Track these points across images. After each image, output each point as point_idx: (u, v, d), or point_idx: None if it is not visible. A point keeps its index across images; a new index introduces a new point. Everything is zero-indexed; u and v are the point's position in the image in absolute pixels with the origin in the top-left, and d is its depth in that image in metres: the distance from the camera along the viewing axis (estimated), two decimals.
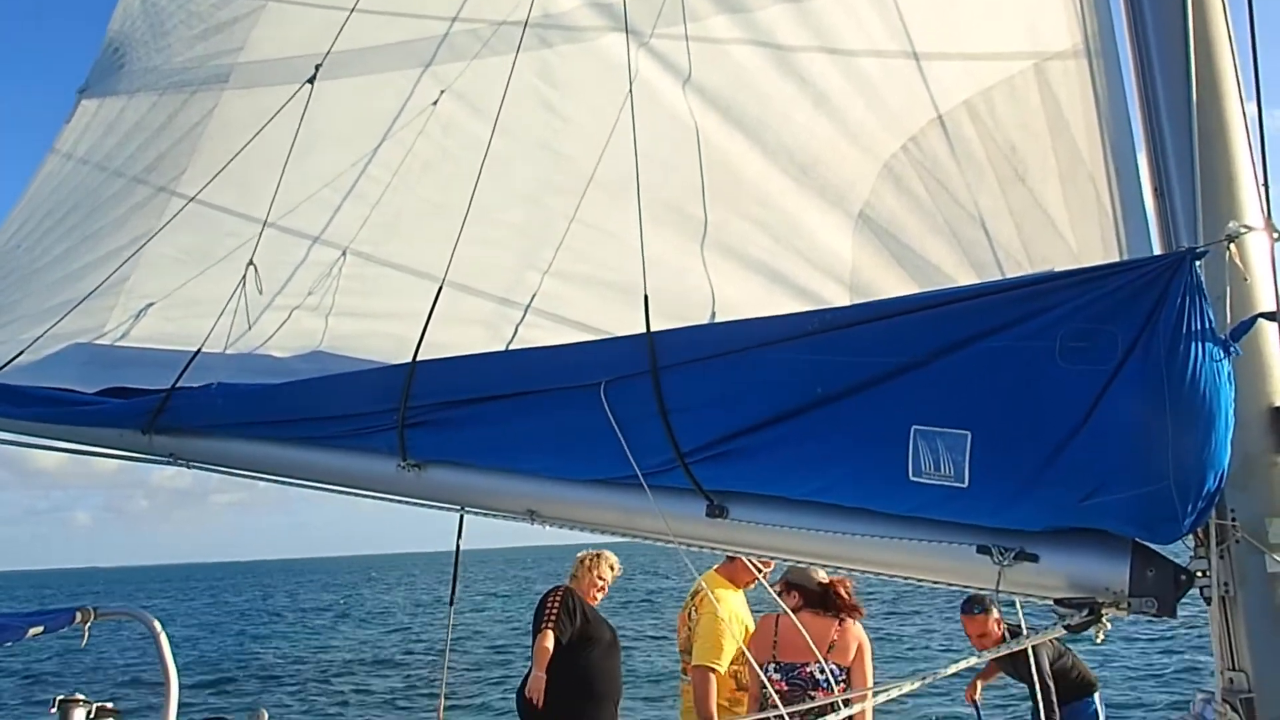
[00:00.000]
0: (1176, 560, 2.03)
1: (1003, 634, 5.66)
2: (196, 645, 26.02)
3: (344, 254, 3.18)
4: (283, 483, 2.97)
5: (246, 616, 39.63)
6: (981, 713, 6.01)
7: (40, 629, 3.13)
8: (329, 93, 3.25)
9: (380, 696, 17.01)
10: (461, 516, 3.08)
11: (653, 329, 2.40)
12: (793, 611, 4.42)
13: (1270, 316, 2.08)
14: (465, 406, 2.61)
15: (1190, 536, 2.03)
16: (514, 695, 5.60)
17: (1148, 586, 1.98)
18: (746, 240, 2.69)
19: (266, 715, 3.64)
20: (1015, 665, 5.69)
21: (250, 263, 3.11)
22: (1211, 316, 1.90)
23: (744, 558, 4.71)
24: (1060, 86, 2.45)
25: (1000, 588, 2.09)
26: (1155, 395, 1.89)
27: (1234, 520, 2.03)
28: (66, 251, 3.51)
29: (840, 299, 2.54)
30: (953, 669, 2.50)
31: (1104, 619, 2.02)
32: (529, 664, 5.38)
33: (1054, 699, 5.32)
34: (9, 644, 3.16)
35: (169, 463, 3.02)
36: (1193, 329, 1.89)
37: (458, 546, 3.84)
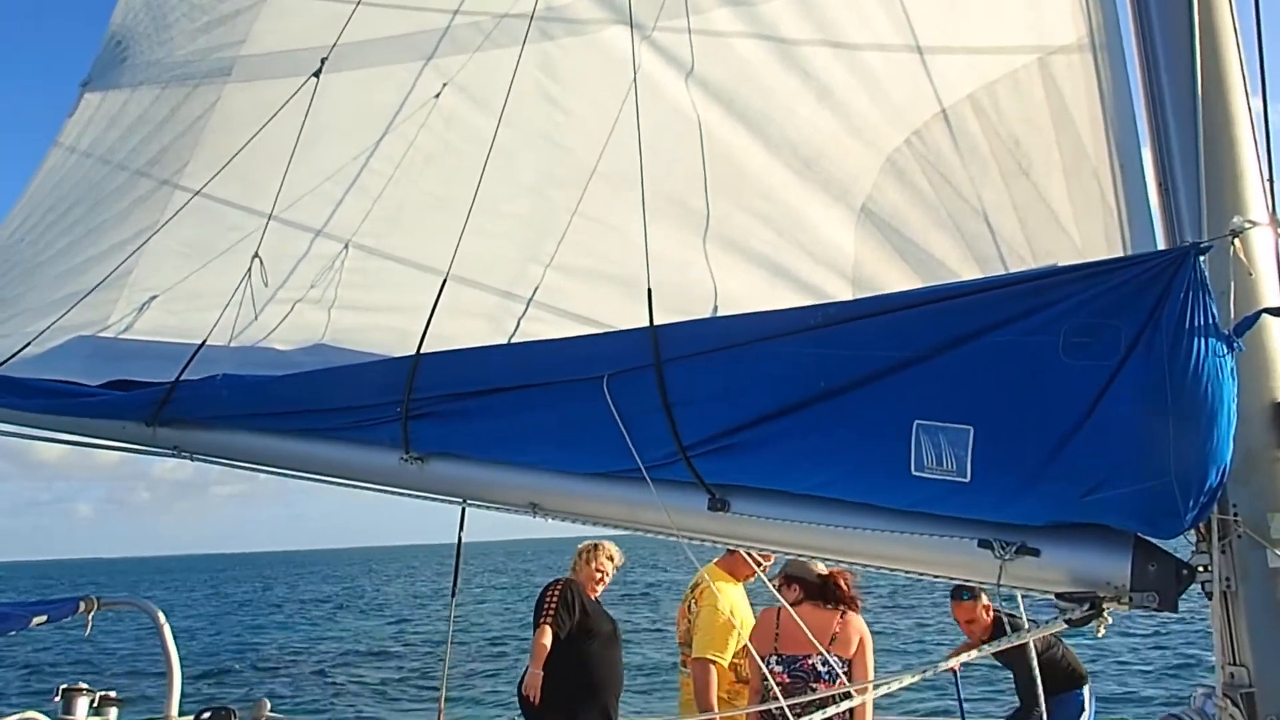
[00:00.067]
0: (1178, 555, 2.04)
1: (992, 620, 5.69)
2: (198, 635, 26.09)
3: (346, 247, 3.18)
4: (285, 475, 2.98)
5: (247, 607, 39.74)
6: (960, 683, 6.03)
7: (44, 618, 3.15)
8: (331, 86, 3.25)
9: (380, 687, 17.05)
10: (463, 509, 3.09)
11: (655, 322, 2.40)
12: (794, 604, 4.43)
13: (1274, 312, 2.08)
14: (468, 399, 2.62)
15: (1192, 531, 2.03)
16: (515, 687, 5.60)
17: (1149, 581, 1.98)
18: (749, 234, 2.69)
19: (268, 705, 3.66)
20: (1003, 658, 5.72)
21: (256, 255, 3.12)
22: (1215, 312, 1.90)
23: (744, 551, 4.72)
24: (1065, 81, 2.44)
25: (1001, 582, 2.09)
26: (1158, 390, 1.89)
27: (1236, 515, 2.03)
28: (70, 245, 3.51)
29: (843, 293, 2.54)
30: (952, 662, 2.50)
31: (1105, 613, 2.03)
32: (529, 657, 5.37)
33: (1039, 689, 5.34)
34: (13, 633, 3.18)
35: (173, 455, 3.03)
36: (1196, 324, 1.89)
37: (459, 539, 3.84)
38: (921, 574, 2.31)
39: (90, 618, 3.32)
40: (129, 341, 3.25)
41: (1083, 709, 5.61)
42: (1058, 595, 2.09)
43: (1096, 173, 2.37)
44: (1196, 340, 1.89)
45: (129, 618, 25.03)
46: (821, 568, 4.63)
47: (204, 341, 3.03)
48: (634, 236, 2.62)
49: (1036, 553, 2.05)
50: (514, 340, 2.82)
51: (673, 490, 2.38)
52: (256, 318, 3.12)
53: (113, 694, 3.25)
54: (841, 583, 4.62)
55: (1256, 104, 2.22)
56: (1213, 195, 2.13)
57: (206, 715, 3.21)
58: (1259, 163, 2.20)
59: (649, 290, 2.46)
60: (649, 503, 2.38)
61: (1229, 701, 2.03)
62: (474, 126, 3.07)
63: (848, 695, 3.88)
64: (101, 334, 3.27)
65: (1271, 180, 2.19)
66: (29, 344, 3.25)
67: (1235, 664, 2.05)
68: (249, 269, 3.11)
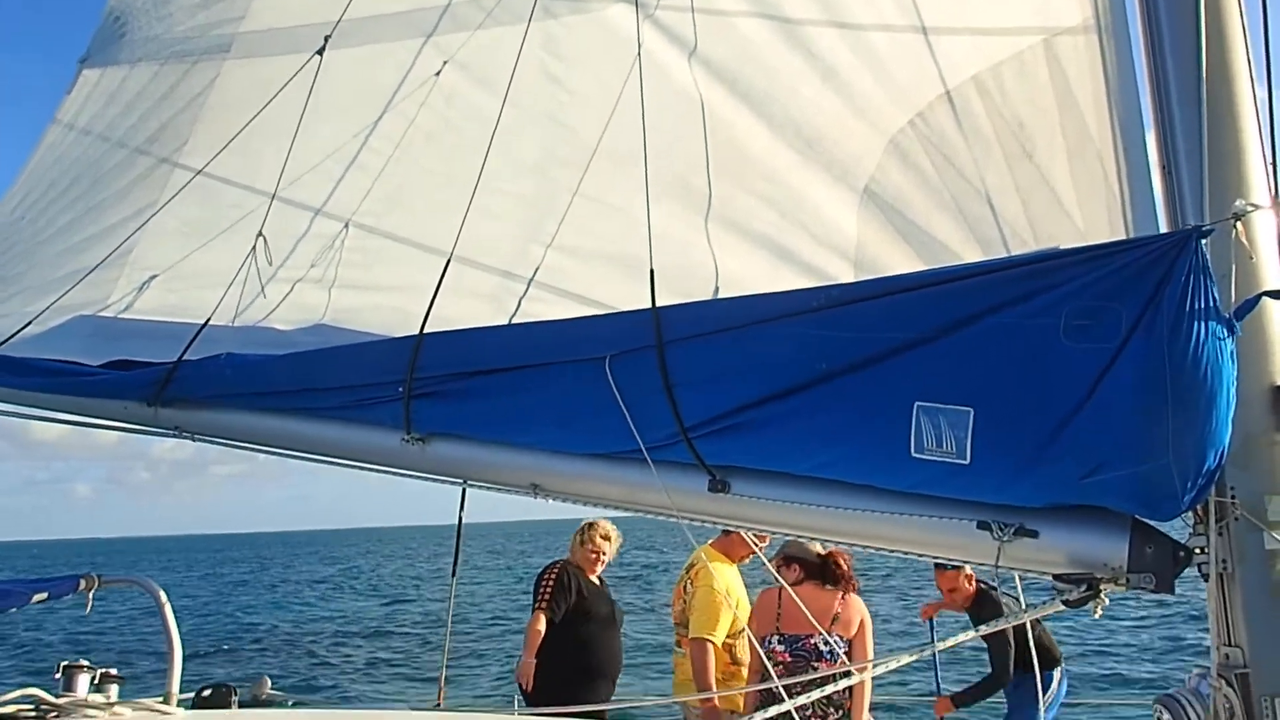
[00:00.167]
0: (1175, 537, 2.05)
1: (975, 589, 5.74)
2: (198, 615, 26.21)
3: (346, 226, 3.17)
4: (287, 456, 2.98)
5: (247, 587, 39.89)
6: (935, 631, 6.09)
7: (45, 595, 3.15)
8: (331, 63, 3.23)
9: (379, 666, 17.15)
10: (464, 490, 3.09)
11: (657, 303, 2.40)
12: (794, 585, 4.46)
13: (1275, 295, 2.08)
14: (471, 379, 2.62)
15: (1189, 513, 2.05)
16: (514, 671, 5.59)
17: (1146, 563, 2.00)
18: (751, 215, 2.68)
19: (269, 682, 3.67)
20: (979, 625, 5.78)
21: (260, 234, 3.11)
22: (1216, 295, 1.90)
23: (742, 532, 4.74)
24: (1069, 63, 2.44)
25: (1000, 563, 2.11)
26: (1158, 373, 1.90)
27: (1233, 498, 2.04)
28: (70, 223, 3.50)
29: (845, 275, 2.54)
30: (950, 642, 2.52)
31: (1102, 595, 2.04)
32: (523, 644, 5.35)
33: (1010, 663, 5.41)
34: (14, 610, 3.19)
35: (174, 435, 3.03)
36: (1196, 307, 1.89)
37: (460, 520, 3.85)
38: (920, 555, 2.32)
39: (90, 596, 3.33)
40: (129, 321, 3.24)
41: (1048, 689, 5.66)
42: (1055, 576, 2.10)
43: (1100, 155, 2.37)
44: (1197, 323, 1.89)
45: (128, 600, 25.16)
46: (820, 548, 4.66)
47: (207, 321, 3.02)
48: (636, 217, 2.61)
49: (1035, 534, 2.06)
50: (514, 321, 2.82)
51: (673, 471, 2.38)
52: (258, 297, 3.11)
53: (114, 671, 3.26)
54: (841, 562, 4.65)
55: (1260, 88, 2.21)
56: (1215, 178, 2.13)
57: (207, 692, 3.22)
58: (1262, 146, 2.20)
59: (652, 271, 2.45)
60: (649, 484, 2.39)
61: (1224, 682, 2.04)
62: (475, 105, 3.06)
63: (847, 674, 3.92)
64: (102, 313, 3.26)
65: (1274, 164, 2.19)
66: (29, 323, 3.25)
67: (1230, 645, 2.07)
68: (253, 248, 3.10)
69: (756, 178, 2.69)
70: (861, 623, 4.59)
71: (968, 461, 2.04)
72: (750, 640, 4.68)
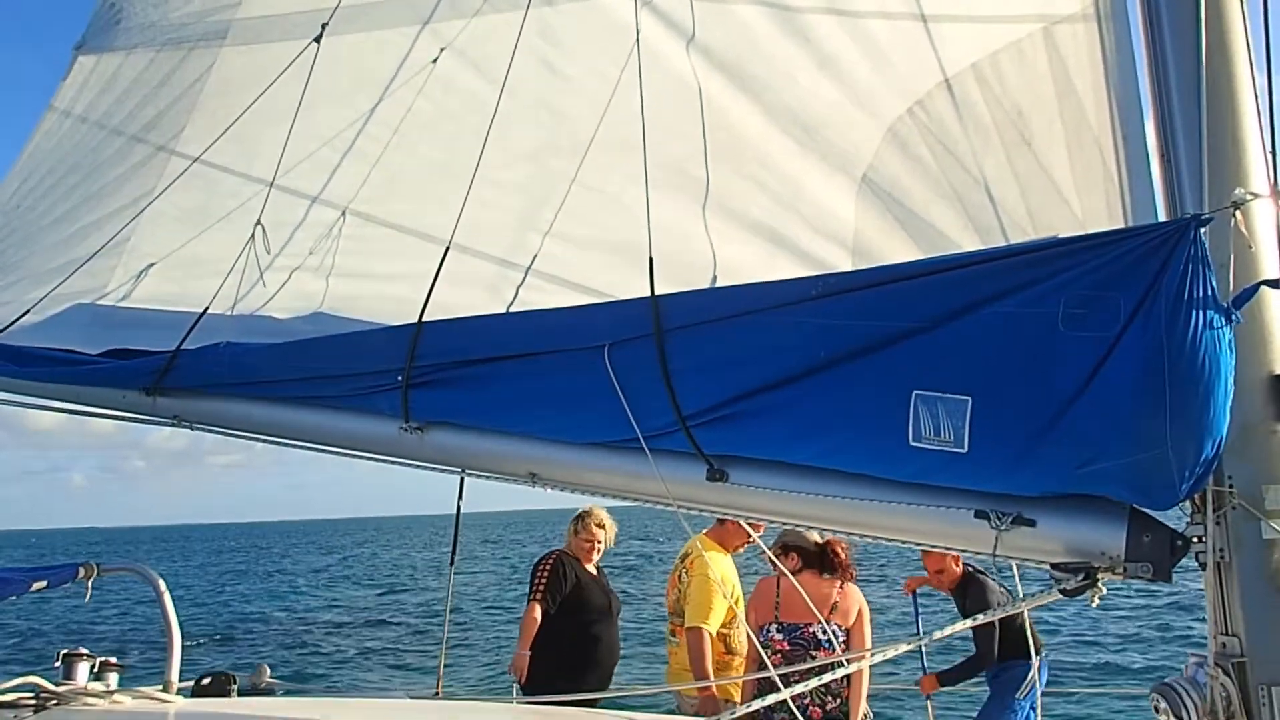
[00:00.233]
0: (1172, 526, 2.05)
1: (963, 572, 5.80)
2: (195, 604, 26.26)
3: (343, 214, 3.16)
4: (285, 445, 2.98)
5: (243, 576, 39.97)
6: (920, 610, 6.17)
7: (44, 583, 3.16)
8: (328, 50, 3.22)
9: (378, 655, 17.20)
10: (462, 479, 3.09)
11: (655, 292, 2.40)
12: (793, 573, 4.47)
13: (1273, 284, 2.08)
14: (469, 368, 2.62)
15: (1187, 502, 2.05)
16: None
17: (1144, 552, 2.00)
18: (749, 203, 2.67)
19: (268, 670, 3.68)
20: (965, 610, 5.87)
21: (258, 222, 3.10)
22: (1214, 284, 1.90)
23: (738, 521, 4.74)
24: (1068, 51, 2.43)
25: (998, 552, 2.11)
26: (1156, 362, 1.90)
27: (1231, 487, 2.04)
28: (67, 211, 3.49)
29: (843, 263, 2.54)
30: (947, 631, 2.53)
31: (1099, 583, 2.04)
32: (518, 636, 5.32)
33: (995, 647, 5.47)
34: (13, 598, 3.19)
35: (172, 424, 3.03)
36: (1195, 296, 1.89)
37: (458, 509, 3.86)
38: (918, 544, 2.32)
39: (90, 584, 3.33)
40: (128, 309, 3.24)
41: (1026, 676, 5.73)
42: (1053, 565, 2.10)
43: (1099, 143, 2.36)
44: (1195, 312, 1.89)
45: (125, 589, 25.19)
46: (818, 537, 4.67)
47: (205, 309, 3.02)
48: (632, 205, 2.61)
49: (1032, 523, 2.06)
50: (512, 309, 2.82)
51: (671, 460, 2.38)
52: (256, 286, 3.11)
53: (113, 660, 3.26)
54: (839, 551, 4.66)
55: (1260, 75, 2.21)
56: (1214, 167, 2.12)
57: (206, 680, 3.23)
58: (1261, 134, 2.19)
59: (650, 259, 2.45)
60: (647, 472, 2.38)
61: (1220, 671, 2.05)
62: (472, 92, 3.05)
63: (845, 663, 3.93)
64: (100, 301, 3.26)
65: (1274, 152, 2.18)
66: (27, 311, 3.24)
67: (1227, 634, 2.07)
68: (251, 236, 3.10)
69: (754, 166, 2.68)
70: (860, 612, 4.62)
71: (965, 450, 2.04)
72: (747, 629, 4.69)
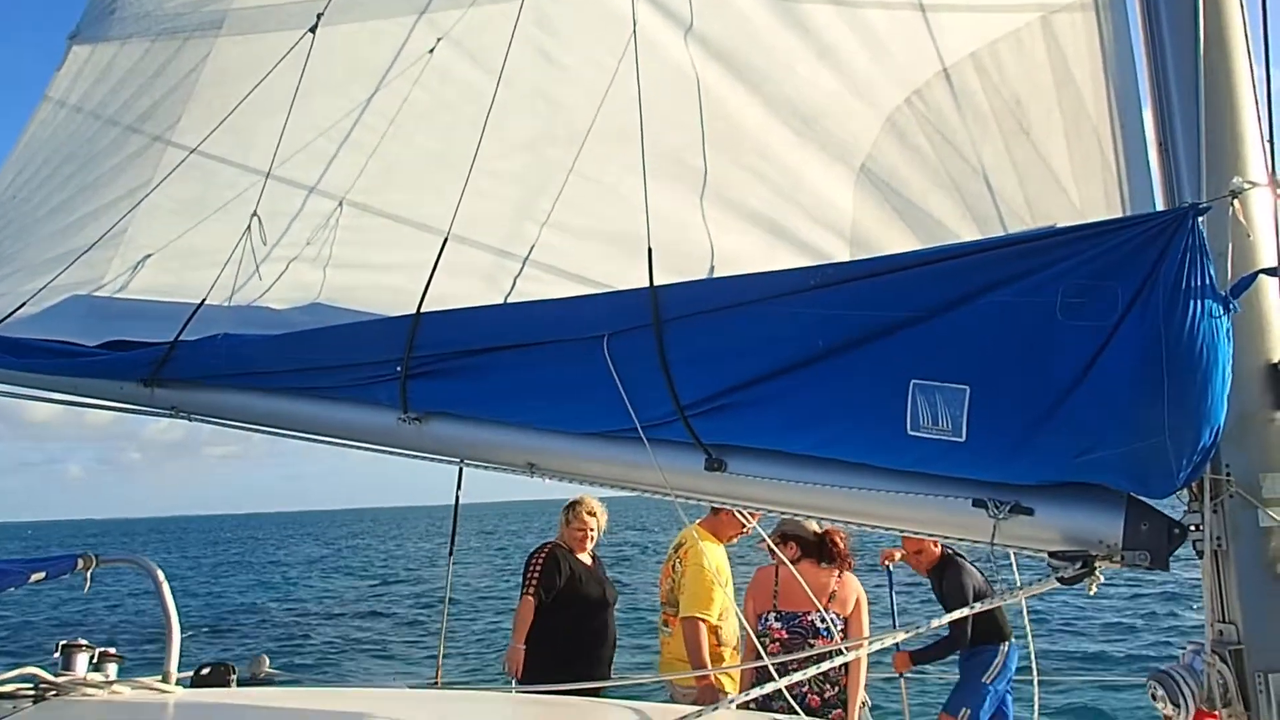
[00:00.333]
0: (1170, 515, 2.06)
1: (940, 554, 5.86)
2: (192, 594, 26.28)
3: (340, 204, 3.16)
4: (283, 435, 2.98)
5: (241, 567, 39.99)
6: (893, 579, 6.24)
7: (43, 575, 3.15)
8: (323, 40, 3.20)
9: (377, 645, 17.24)
10: (460, 469, 3.09)
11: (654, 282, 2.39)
12: (792, 562, 4.48)
13: (1271, 273, 2.08)
14: (468, 358, 2.62)
15: (1184, 491, 2.05)
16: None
17: (1141, 540, 2.00)
18: (747, 193, 2.67)
19: (267, 660, 3.69)
20: (941, 592, 5.95)
21: (255, 213, 3.09)
22: (1212, 273, 1.90)
23: (736, 511, 4.75)
24: (1067, 40, 2.42)
25: (995, 541, 2.11)
26: (1154, 351, 1.90)
27: (1228, 475, 2.05)
28: (64, 202, 3.48)
29: (841, 253, 2.54)
30: (943, 619, 2.54)
31: (1096, 572, 2.05)
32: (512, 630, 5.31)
33: (968, 628, 5.55)
34: (12, 589, 3.19)
35: (170, 415, 3.03)
36: (1193, 285, 1.89)
37: (456, 499, 3.86)
38: (916, 533, 2.33)
39: (89, 575, 3.33)
40: (125, 301, 3.23)
41: (994, 662, 5.81)
42: (1050, 554, 2.11)
43: (1097, 133, 2.36)
44: (1193, 301, 1.89)
45: (122, 580, 25.20)
46: (816, 526, 4.68)
47: (203, 301, 3.01)
48: (630, 195, 2.60)
49: (1030, 512, 2.07)
50: (510, 299, 2.82)
51: (669, 450, 2.39)
52: (253, 277, 3.11)
53: (112, 650, 3.26)
54: (837, 540, 4.68)
55: (1258, 65, 2.20)
56: (1212, 156, 2.12)
57: (205, 671, 3.23)
58: (1259, 123, 2.19)
59: (650, 250, 2.45)
60: (645, 463, 2.39)
61: (1217, 658, 2.06)
62: (469, 82, 3.04)
63: (843, 651, 3.95)
64: (97, 293, 3.25)
65: (1272, 141, 2.18)
66: (24, 303, 3.24)
67: (1224, 621, 2.08)
68: (248, 227, 3.09)
69: (752, 156, 2.68)
70: (858, 600, 4.64)
71: (964, 439, 2.04)
72: (741, 619, 4.70)
